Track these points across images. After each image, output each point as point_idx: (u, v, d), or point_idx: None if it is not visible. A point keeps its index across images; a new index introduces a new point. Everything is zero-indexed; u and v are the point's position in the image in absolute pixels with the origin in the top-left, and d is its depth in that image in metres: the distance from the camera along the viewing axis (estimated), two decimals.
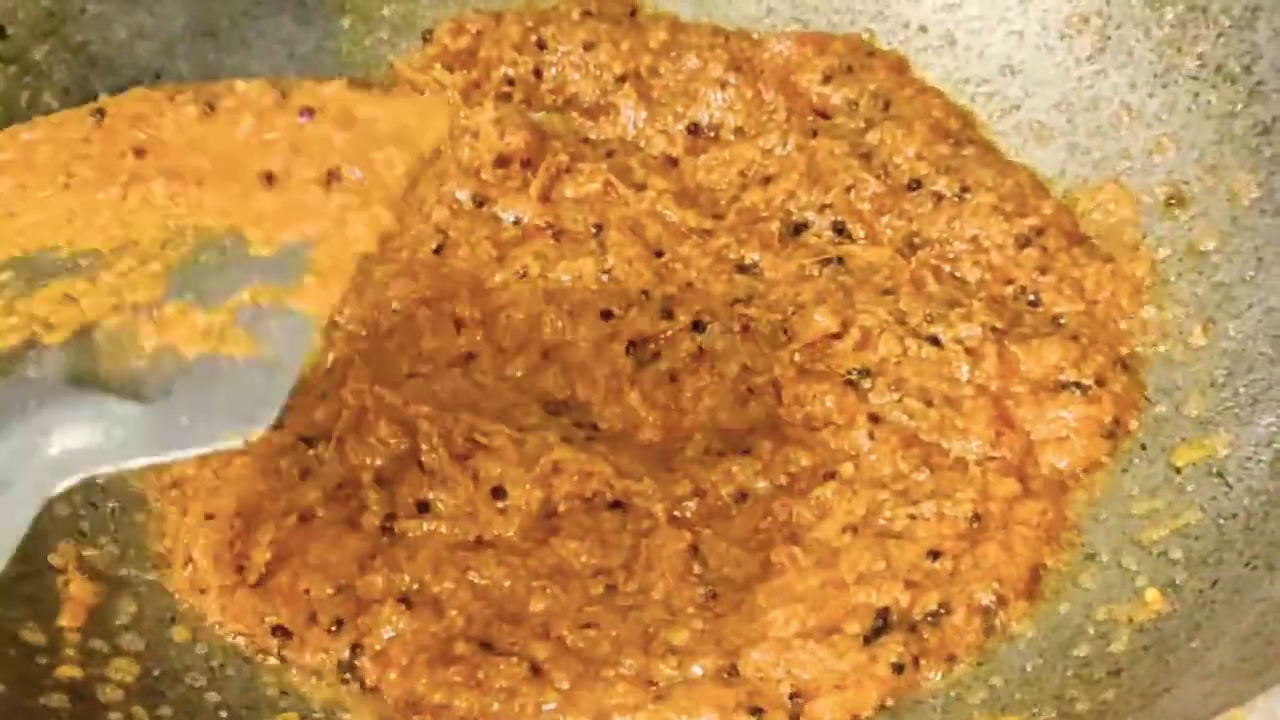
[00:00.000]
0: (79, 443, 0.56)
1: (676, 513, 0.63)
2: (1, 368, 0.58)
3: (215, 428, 0.55)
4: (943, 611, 0.60)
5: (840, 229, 0.72)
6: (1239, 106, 0.71)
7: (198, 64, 0.78)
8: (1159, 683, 0.55)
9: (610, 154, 0.75)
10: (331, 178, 0.61)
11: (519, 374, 0.69)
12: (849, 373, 0.67)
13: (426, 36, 0.79)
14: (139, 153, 0.63)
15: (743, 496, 0.64)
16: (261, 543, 0.63)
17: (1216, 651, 0.55)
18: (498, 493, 0.63)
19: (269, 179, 0.61)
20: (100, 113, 0.64)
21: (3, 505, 0.54)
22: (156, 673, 0.60)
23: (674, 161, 0.75)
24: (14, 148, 0.65)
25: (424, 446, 0.64)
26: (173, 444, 0.56)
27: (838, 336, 0.67)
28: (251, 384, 0.56)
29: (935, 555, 0.62)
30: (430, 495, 0.64)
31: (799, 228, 0.72)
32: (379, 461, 0.65)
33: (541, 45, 0.78)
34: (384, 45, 0.80)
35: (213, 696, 0.60)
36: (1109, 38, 0.74)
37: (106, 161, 0.64)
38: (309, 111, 0.63)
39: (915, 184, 0.72)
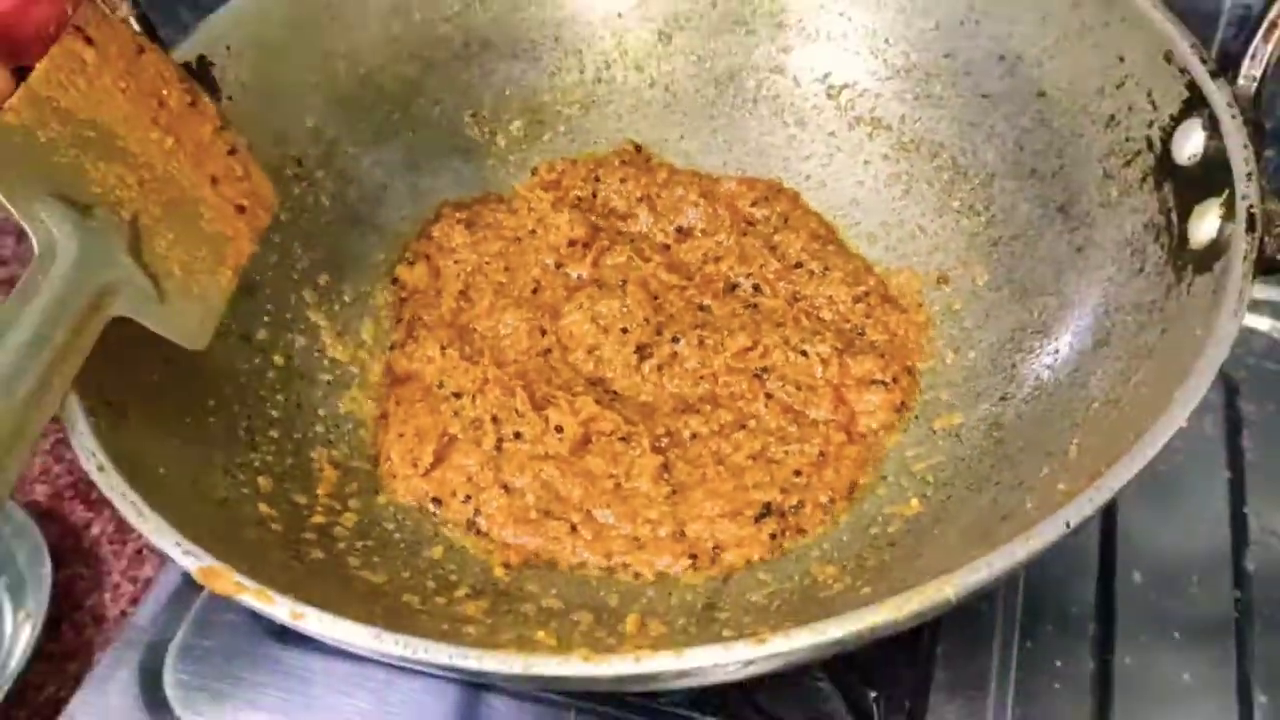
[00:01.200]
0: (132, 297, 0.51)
1: (656, 445, 0.62)
2: (90, 208, 0.51)
3: (176, 332, 0.52)
4: (800, 505, 0.60)
5: (757, 288, 0.71)
6: (981, 229, 0.69)
7: (408, 187, 0.77)
8: (915, 550, 0.55)
9: (632, 241, 0.73)
10: (239, 209, 0.60)
11: (575, 361, 0.68)
12: (756, 370, 0.66)
13: (533, 171, 0.78)
14: (162, 103, 0.58)
15: (694, 436, 0.63)
16: (426, 451, 0.62)
17: (947, 537, 0.55)
18: (558, 429, 0.63)
19: (214, 181, 0.59)
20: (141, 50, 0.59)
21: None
22: (366, 520, 0.60)
23: (668, 247, 0.74)
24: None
25: (518, 402, 0.63)
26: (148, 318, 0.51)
27: (751, 349, 0.66)
28: (194, 318, 0.54)
29: (798, 474, 0.61)
30: (522, 429, 0.63)
31: (733, 286, 0.71)
32: (494, 410, 0.64)
33: (597, 179, 0.76)
34: (511, 176, 0.79)
35: (396, 534, 0.60)
36: (911, 188, 0.73)
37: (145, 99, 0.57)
38: None
39: (799, 264, 0.71)
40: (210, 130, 0.61)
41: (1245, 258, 0.49)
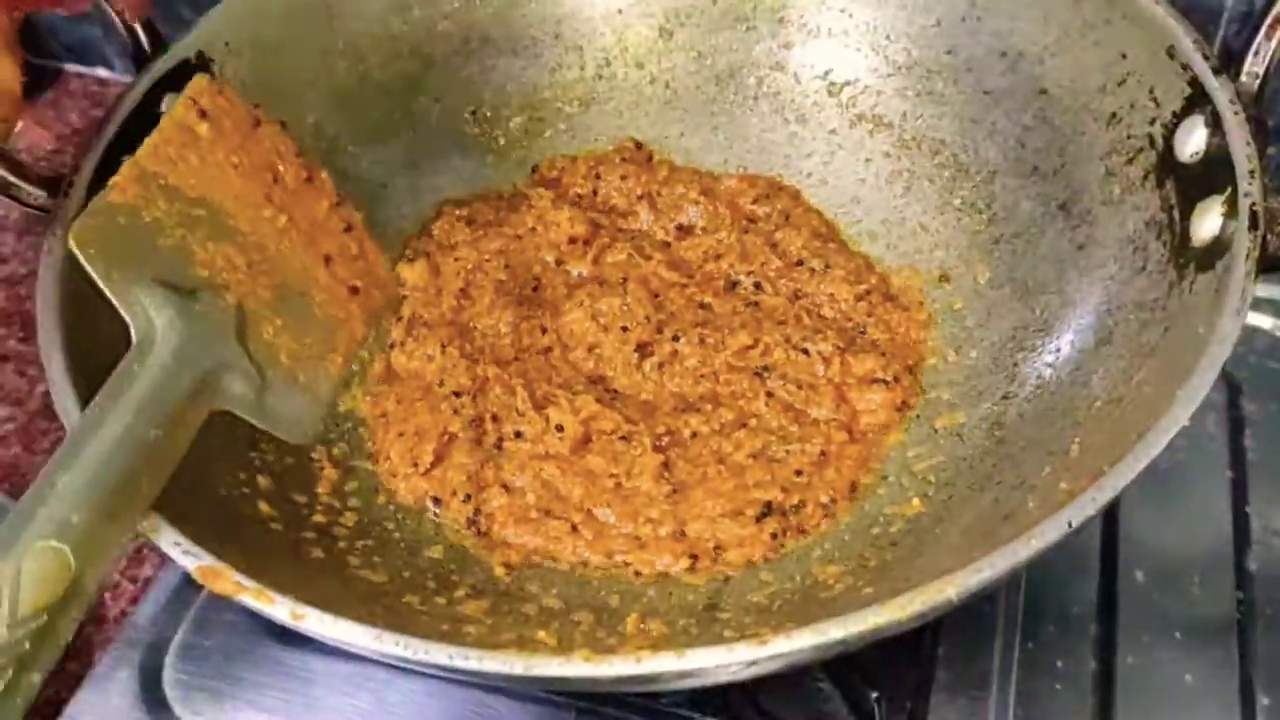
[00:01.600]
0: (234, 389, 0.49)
1: (656, 443, 0.62)
2: (195, 292, 0.49)
3: (279, 425, 0.50)
4: (801, 504, 0.60)
5: (758, 286, 0.71)
6: (983, 227, 0.69)
7: (409, 185, 0.76)
8: (916, 550, 0.55)
9: (633, 238, 0.73)
10: (353, 291, 0.57)
11: (576, 360, 0.68)
12: (757, 368, 0.66)
13: (534, 169, 0.78)
14: (276, 178, 0.56)
15: (694, 435, 0.63)
16: (426, 450, 0.62)
17: (949, 536, 0.55)
18: (559, 428, 0.63)
19: (328, 260, 0.57)
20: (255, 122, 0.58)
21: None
22: (366, 520, 0.60)
23: (668, 244, 0.73)
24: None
25: (519, 401, 0.64)
26: (258, 416, 0.50)
27: (752, 347, 0.66)
28: (302, 410, 0.51)
29: (799, 473, 0.61)
30: (522, 428, 0.63)
31: (734, 284, 0.71)
32: (494, 408, 0.64)
33: (597, 176, 0.76)
34: (511, 173, 0.78)
35: (396, 533, 0.60)
36: (912, 185, 0.73)
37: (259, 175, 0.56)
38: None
39: (800, 262, 0.71)
40: (326, 206, 0.59)
41: (1248, 256, 0.49)
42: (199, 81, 0.54)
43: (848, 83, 0.76)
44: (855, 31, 0.75)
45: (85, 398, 0.49)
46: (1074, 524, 0.42)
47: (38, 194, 0.59)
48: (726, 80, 0.79)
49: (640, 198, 0.75)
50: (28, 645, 0.35)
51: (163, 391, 0.44)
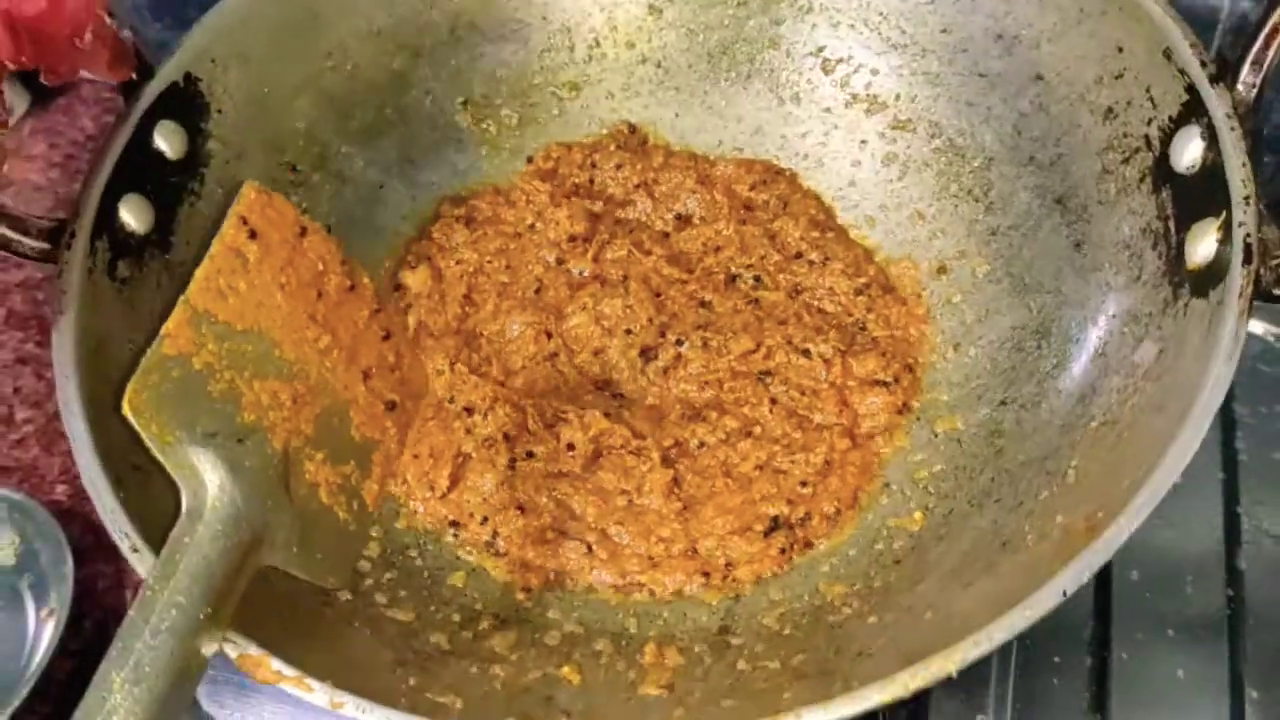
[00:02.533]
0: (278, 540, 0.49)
1: (665, 456, 0.64)
2: (242, 441, 0.50)
3: (319, 572, 0.50)
4: (807, 517, 0.62)
5: (757, 280, 0.71)
6: (980, 216, 0.69)
7: (405, 184, 0.76)
8: (918, 574, 0.57)
9: (631, 231, 0.73)
10: (389, 407, 0.57)
11: (581, 364, 0.69)
12: (760, 374, 0.67)
13: (529, 159, 0.77)
14: (321, 293, 0.56)
15: (701, 445, 0.65)
16: (442, 474, 0.64)
17: (950, 559, 0.57)
18: (570, 446, 0.64)
19: (366, 375, 0.57)
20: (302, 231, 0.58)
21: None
22: (389, 549, 0.62)
23: (666, 236, 0.73)
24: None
25: (529, 420, 0.65)
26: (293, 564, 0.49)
27: (754, 352, 0.67)
28: (341, 547, 0.51)
29: (804, 484, 0.63)
30: (534, 448, 0.64)
31: (733, 278, 0.71)
32: (506, 428, 0.65)
33: (593, 165, 0.76)
34: (507, 165, 0.78)
35: (419, 561, 0.62)
36: (909, 169, 0.73)
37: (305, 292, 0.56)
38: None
39: (799, 254, 0.71)
40: (366, 315, 0.59)
41: (1241, 294, 0.50)
42: (248, 194, 0.54)
43: (841, 60, 0.75)
44: (848, 7, 0.74)
45: (115, 475, 0.51)
46: (1068, 592, 0.44)
47: (40, 246, 0.60)
48: (719, 57, 0.78)
49: (637, 186, 0.75)
50: None
51: (213, 567, 0.45)
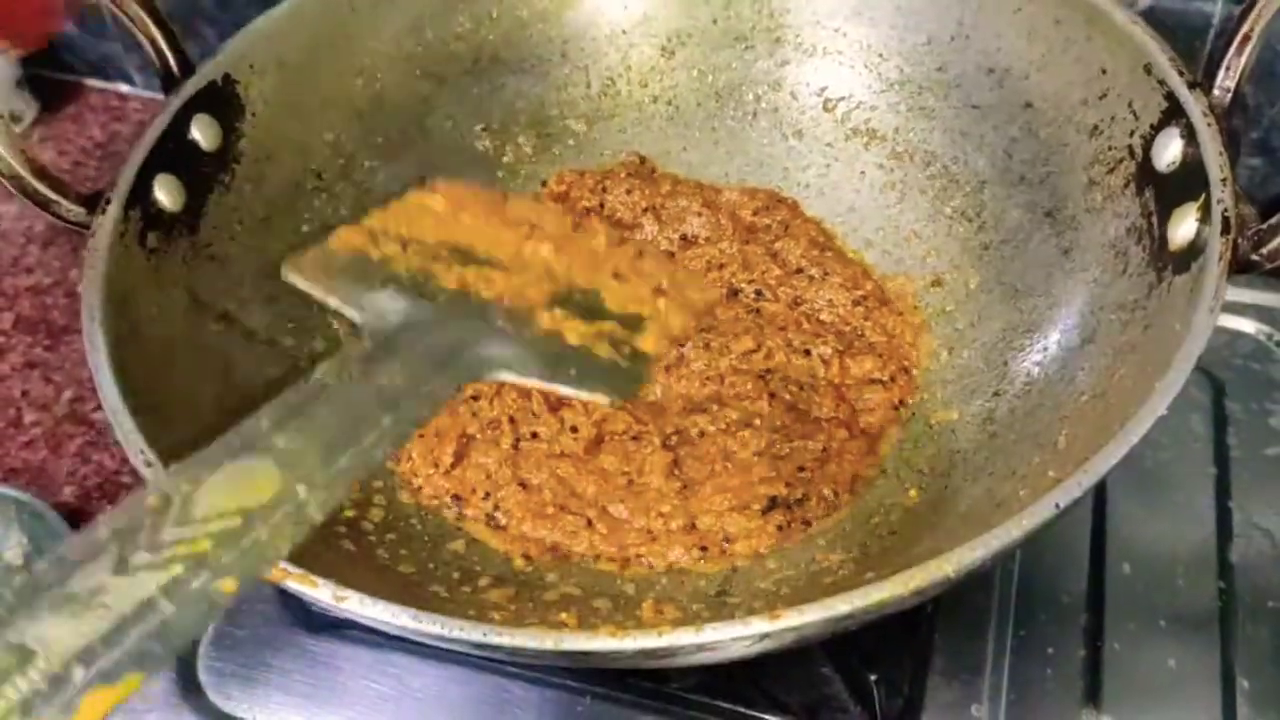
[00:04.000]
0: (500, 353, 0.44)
1: (666, 442, 0.65)
2: (451, 303, 0.46)
3: (594, 387, 0.45)
4: (805, 498, 0.63)
5: (759, 294, 0.73)
6: (973, 234, 0.73)
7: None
8: (914, 538, 0.58)
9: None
10: (658, 291, 0.52)
11: None
12: (761, 372, 0.69)
13: (543, 184, 0.81)
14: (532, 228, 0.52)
15: (702, 434, 0.66)
16: (446, 451, 0.65)
17: (945, 523, 0.58)
18: (574, 429, 0.66)
19: (618, 275, 0.52)
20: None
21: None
22: (391, 516, 0.63)
23: (672, 255, 0.76)
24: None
25: (535, 404, 0.67)
26: (563, 381, 0.44)
27: (755, 351, 0.69)
28: (615, 375, 0.46)
29: (802, 469, 0.64)
30: (538, 429, 0.66)
31: (735, 292, 0.74)
32: (511, 411, 0.67)
33: (604, 190, 0.79)
34: (520, 188, 0.82)
35: (420, 528, 0.63)
36: (905, 195, 0.76)
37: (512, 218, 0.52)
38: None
39: (799, 270, 0.74)
40: (604, 242, 0.54)
41: (1220, 258, 0.52)
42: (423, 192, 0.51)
43: (842, 98, 0.80)
44: (849, 50, 0.79)
45: (134, 406, 0.53)
46: (1061, 505, 0.45)
47: (77, 210, 0.63)
48: (726, 97, 0.82)
49: (645, 210, 0.78)
50: (209, 546, 0.32)
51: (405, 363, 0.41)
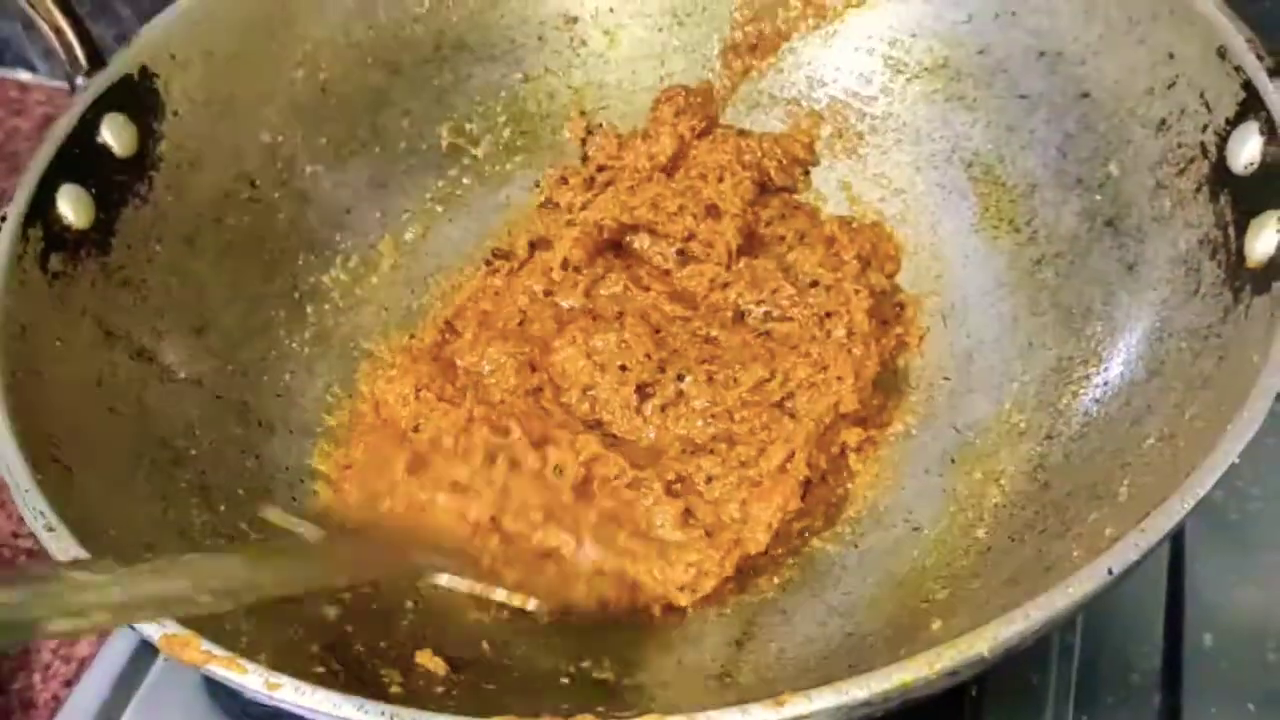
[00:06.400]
0: None
1: (670, 490, 0.66)
2: None
3: None
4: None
5: (768, 315, 0.75)
6: (1023, 247, 0.73)
7: (376, 209, 0.81)
8: (950, 609, 0.59)
9: (629, 267, 0.78)
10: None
11: (569, 402, 0.72)
12: (778, 401, 0.70)
13: (536, 184, 0.84)
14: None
15: (709, 480, 0.67)
16: None
17: (987, 592, 0.58)
18: (555, 469, 0.67)
19: None
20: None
21: None
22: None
23: (668, 273, 0.78)
24: None
25: (515, 436, 0.68)
26: None
27: (769, 380, 0.70)
28: None
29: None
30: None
31: (742, 315, 0.75)
32: (489, 446, 0.67)
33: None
34: (489, 194, 0.84)
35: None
36: (941, 202, 0.78)
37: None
38: None
39: (814, 284, 0.75)
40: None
41: None
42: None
43: (867, 83, 0.81)
44: (876, 28, 0.80)
45: (33, 459, 0.54)
46: (1115, 570, 0.46)
47: None
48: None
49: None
50: None
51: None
